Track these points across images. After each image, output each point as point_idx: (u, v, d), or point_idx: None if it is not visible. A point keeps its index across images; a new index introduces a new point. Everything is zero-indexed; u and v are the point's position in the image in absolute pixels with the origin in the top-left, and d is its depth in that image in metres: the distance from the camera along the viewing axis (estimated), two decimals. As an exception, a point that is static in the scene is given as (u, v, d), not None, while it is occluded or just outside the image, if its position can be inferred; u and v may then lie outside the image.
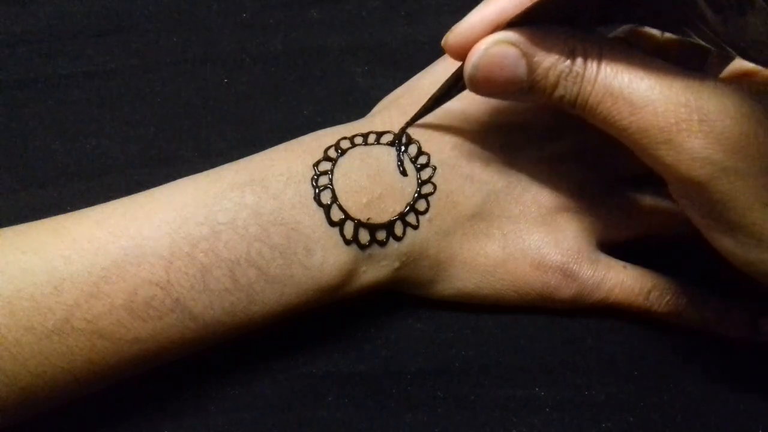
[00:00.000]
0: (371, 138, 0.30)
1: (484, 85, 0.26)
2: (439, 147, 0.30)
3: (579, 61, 0.25)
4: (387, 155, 0.30)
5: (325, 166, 0.29)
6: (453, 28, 0.26)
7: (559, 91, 0.25)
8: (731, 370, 0.32)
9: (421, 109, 0.30)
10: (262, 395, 0.31)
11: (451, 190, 0.30)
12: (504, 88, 0.26)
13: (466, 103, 0.31)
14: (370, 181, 0.29)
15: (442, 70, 0.33)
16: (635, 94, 0.24)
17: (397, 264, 0.30)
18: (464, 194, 0.30)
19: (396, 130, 0.30)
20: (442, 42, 0.27)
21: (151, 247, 0.27)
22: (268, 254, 0.28)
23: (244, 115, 0.36)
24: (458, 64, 0.27)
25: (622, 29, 0.31)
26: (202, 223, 0.27)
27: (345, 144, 0.30)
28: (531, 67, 0.25)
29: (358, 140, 0.30)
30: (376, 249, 0.29)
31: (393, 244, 0.29)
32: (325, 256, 0.28)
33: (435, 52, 0.35)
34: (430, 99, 0.29)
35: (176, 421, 0.31)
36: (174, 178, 0.30)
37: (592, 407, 0.31)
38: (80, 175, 0.35)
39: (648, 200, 0.32)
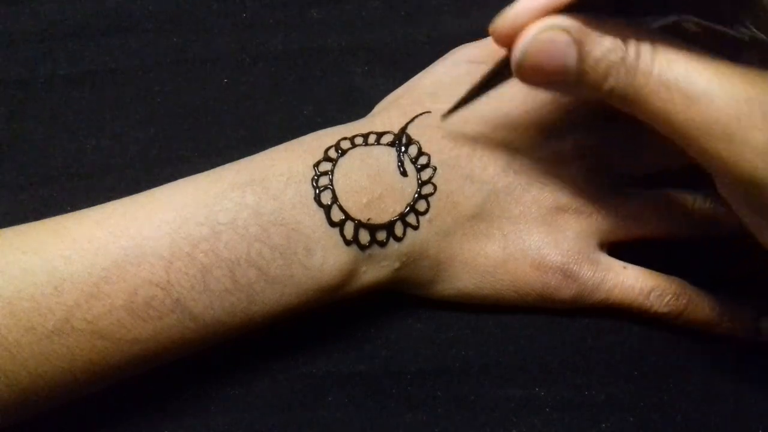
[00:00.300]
0: (371, 138, 0.30)
1: (531, 72, 0.25)
2: (440, 147, 0.30)
3: (632, 51, 0.24)
4: (387, 155, 0.30)
5: (326, 166, 0.29)
6: (501, 12, 0.25)
7: (610, 83, 0.24)
8: (731, 370, 0.32)
9: (461, 100, 0.29)
10: (262, 395, 0.31)
11: (452, 191, 0.30)
12: (552, 78, 0.24)
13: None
14: (371, 182, 0.29)
15: (442, 69, 0.33)
16: (693, 86, 0.23)
17: (397, 264, 0.30)
18: (464, 195, 0.30)
19: (396, 130, 0.30)
20: (490, 28, 0.25)
21: (151, 247, 0.27)
22: (268, 254, 0.28)
23: (244, 115, 0.36)
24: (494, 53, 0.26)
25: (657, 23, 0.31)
26: (203, 224, 0.27)
27: (345, 144, 0.30)
28: (582, 56, 0.24)
29: (359, 140, 0.30)
30: (376, 249, 0.29)
31: (393, 245, 0.29)
32: (326, 257, 0.28)
33: (435, 52, 0.35)
34: (473, 87, 0.28)
35: (176, 421, 0.31)
36: (174, 178, 0.30)
37: (592, 407, 0.31)
38: (80, 175, 0.35)
39: (648, 201, 0.32)
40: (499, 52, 0.26)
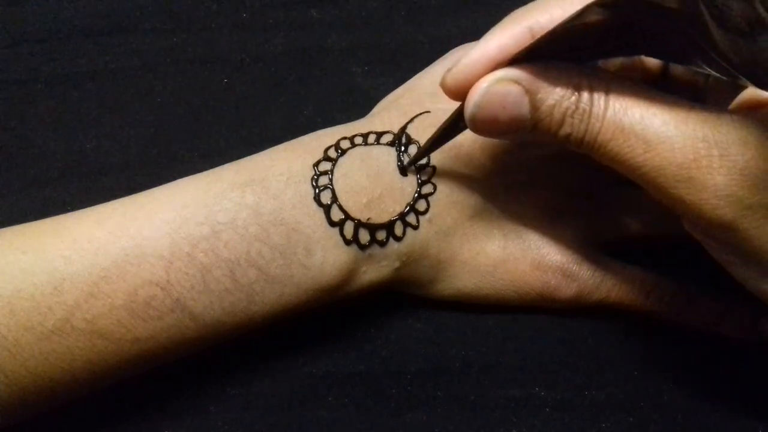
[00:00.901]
0: (371, 138, 0.30)
1: (485, 125, 0.25)
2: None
3: (585, 96, 0.23)
4: (387, 155, 0.30)
5: (325, 166, 0.29)
6: (450, 67, 0.25)
7: (565, 129, 0.24)
8: (731, 370, 0.32)
9: (420, 151, 0.29)
10: (262, 395, 0.31)
11: (451, 190, 0.30)
12: (507, 128, 0.24)
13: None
14: (370, 182, 0.29)
15: (441, 70, 0.33)
16: (649, 130, 0.23)
17: (397, 264, 0.30)
18: (464, 194, 0.30)
19: (396, 130, 0.30)
20: (440, 82, 0.25)
21: (151, 247, 0.27)
22: (268, 254, 0.28)
23: (244, 115, 0.36)
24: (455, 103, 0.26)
25: (612, 62, 0.30)
26: (203, 223, 0.27)
27: (345, 144, 0.30)
28: (534, 105, 0.24)
29: (358, 140, 0.30)
30: (376, 249, 0.29)
31: (393, 245, 0.29)
32: (325, 256, 0.28)
33: (435, 52, 0.35)
34: (428, 140, 0.28)
35: (176, 421, 0.31)
36: (174, 178, 0.30)
37: (592, 407, 0.31)
38: (80, 175, 0.35)
39: (649, 201, 0.32)
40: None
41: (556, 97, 0.24)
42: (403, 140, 0.30)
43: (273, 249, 0.28)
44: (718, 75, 0.23)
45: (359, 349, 0.32)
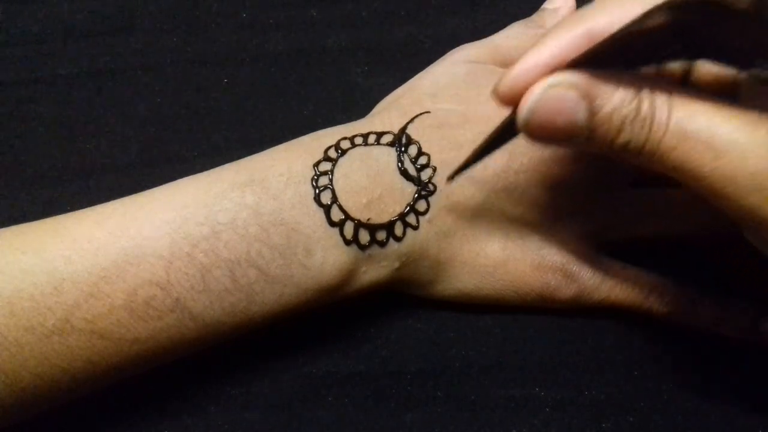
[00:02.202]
0: (371, 138, 0.30)
1: (539, 130, 0.23)
2: (440, 148, 0.30)
3: (646, 103, 0.22)
4: (387, 156, 0.30)
5: (325, 166, 0.29)
6: (504, 73, 0.23)
7: (624, 137, 0.23)
8: (731, 370, 0.32)
9: (465, 162, 0.28)
10: (262, 395, 0.31)
11: (452, 191, 0.30)
12: (562, 134, 0.23)
13: (465, 106, 0.31)
14: (370, 182, 0.29)
15: (442, 70, 0.33)
16: (717, 137, 0.22)
17: (397, 264, 0.30)
18: (464, 195, 0.30)
19: (396, 130, 0.30)
20: (491, 90, 0.24)
21: (151, 247, 0.27)
22: (268, 254, 0.28)
23: (244, 115, 0.36)
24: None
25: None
26: (202, 224, 0.27)
27: (345, 144, 0.30)
28: (592, 111, 0.23)
29: (358, 140, 0.30)
30: (376, 249, 0.29)
31: (393, 245, 0.29)
32: (325, 257, 0.28)
33: (435, 52, 0.35)
34: (475, 150, 0.27)
35: (176, 421, 0.31)
36: (174, 178, 0.30)
37: (592, 407, 0.31)
38: (80, 175, 0.35)
39: (648, 201, 0.32)
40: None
41: (616, 103, 0.23)
42: (403, 140, 0.30)
43: (273, 249, 0.28)
44: None
45: (359, 349, 0.32)
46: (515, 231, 0.31)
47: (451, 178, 0.28)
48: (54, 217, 0.28)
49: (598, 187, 0.32)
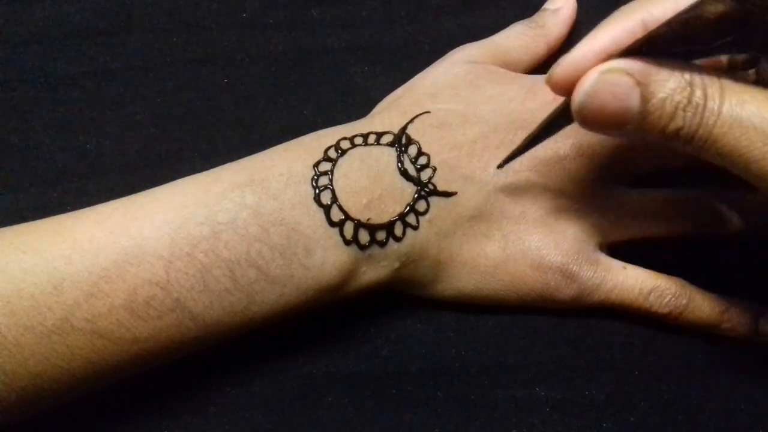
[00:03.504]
0: (371, 138, 0.30)
1: (594, 116, 0.24)
2: (439, 148, 0.30)
3: (699, 91, 0.23)
4: (387, 156, 0.30)
5: (325, 166, 0.29)
6: (559, 60, 0.24)
7: (677, 123, 0.23)
8: (731, 370, 0.32)
9: (516, 149, 0.29)
10: (262, 395, 0.31)
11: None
12: (615, 120, 0.24)
13: (465, 106, 0.31)
14: (370, 182, 0.29)
15: (442, 70, 0.33)
16: None
17: (396, 264, 0.30)
18: (464, 195, 0.30)
19: (396, 130, 0.30)
20: (546, 78, 0.25)
21: (151, 247, 0.27)
22: (268, 254, 0.28)
23: (244, 115, 0.36)
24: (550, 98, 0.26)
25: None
26: (203, 223, 0.27)
27: (345, 144, 0.30)
28: (646, 97, 0.23)
29: (358, 141, 0.30)
30: (375, 249, 0.29)
31: (393, 245, 0.29)
32: (325, 257, 0.28)
33: (435, 52, 0.35)
34: (527, 137, 0.28)
35: (176, 421, 0.31)
36: (174, 178, 0.30)
37: (592, 407, 0.31)
38: (80, 175, 0.35)
39: (648, 201, 0.32)
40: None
41: (669, 89, 0.23)
42: (403, 140, 0.30)
43: (273, 249, 0.28)
44: None
45: (359, 349, 0.32)
46: (515, 231, 0.31)
47: (502, 164, 0.29)
48: (54, 217, 0.28)
49: (598, 188, 0.32)
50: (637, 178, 0.32)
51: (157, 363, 0.28)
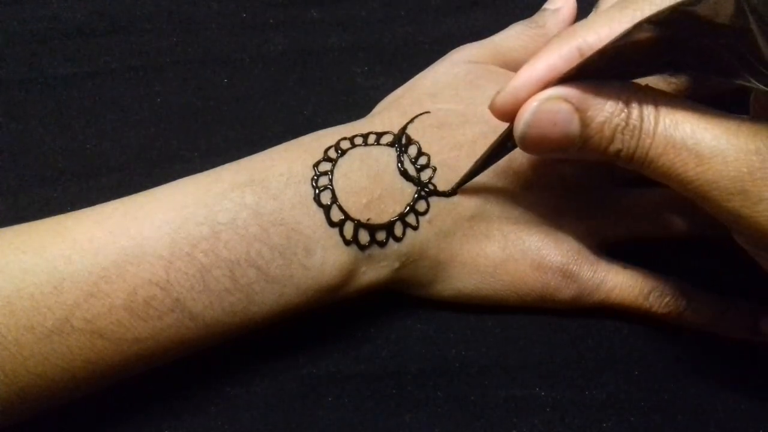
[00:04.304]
0: (371, 138, 0.30)
1: (535, 143, 0.25)
2: (439, 148, 0.30)
3: (635, 113, 0.24)
4: (387, 156, 0.30)
5: (325, 166, 0.29)
6: (500, 90, 0.25)
7: (616, 146, 0.24)
8: (731, 370, 0.32)
9: (467, 174, 0.29)
10: (262, 395, 0.31)
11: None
12: (557, 146, 0.24)
13: (465, 106, 0.31)
14: (370, 182, 0.29)
15: (442, 70, 0.33)
16: (701, 144, 0.23)
17: (396, 264, 0.30)
18: (464, 195, 0.30)
19: (396, 130, 0.30)
20: (489, 104, 0.25)
21: (151, 247, 0.27)
22: (267, 254, 0.28)
23: (244, 115, 0.36)
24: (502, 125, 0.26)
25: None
26: (202, 223, 0.27)
27: (345, 144, 0.30)
28: (584, 122, 0.24)
29: (358, 141, 0.30)
30: (375, 249, 0.29)
31: (393, 245, 0.29)
32: (325, 257, 0.28)
33: (435, 52, 0.35)
34: (476, 162, 0.29)
35: (176, 421, 0.31)
36: (174, 178, 0.30)
37: (592, 407, 0.31)
38: (80, 175, 0.35)
39: (648, 201, 0.32)
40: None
41: (606, 114, 0.24)
42: (403, 141, 0.30)
43: (273, 249, 0.28)
44: (765, 88, 0.23)
45: (359, 349, 0.32)
46: (515, 231, 0.31)
47: (453, 191, 0.30)
48: (54, 217, 0.28)
49: (598, 187, 0.32)
50: (637, 178, 0.32)
51: (157, 363, 0.28)
